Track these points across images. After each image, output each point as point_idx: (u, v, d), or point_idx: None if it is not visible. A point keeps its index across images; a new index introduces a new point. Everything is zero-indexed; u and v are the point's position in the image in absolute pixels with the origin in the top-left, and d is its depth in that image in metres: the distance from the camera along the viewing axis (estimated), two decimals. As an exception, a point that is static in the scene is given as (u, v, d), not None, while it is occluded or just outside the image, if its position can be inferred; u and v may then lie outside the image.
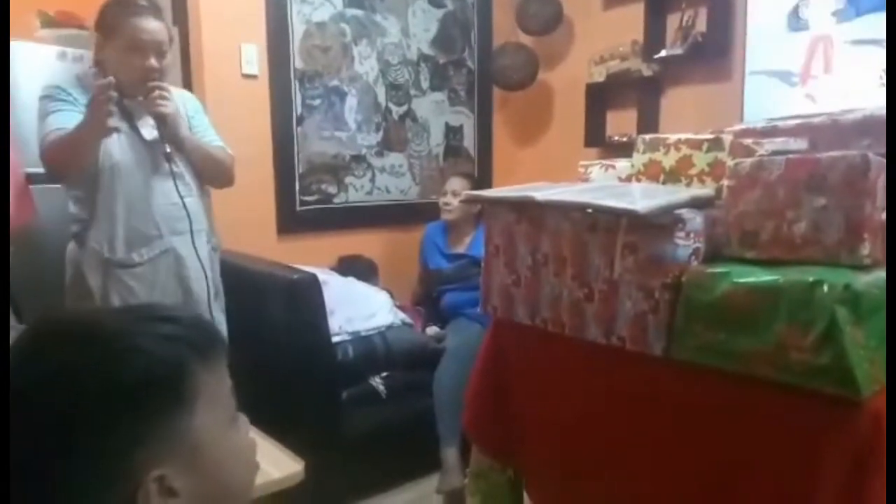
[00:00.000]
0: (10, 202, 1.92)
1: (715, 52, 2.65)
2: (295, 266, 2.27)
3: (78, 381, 0.52)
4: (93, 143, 1.66)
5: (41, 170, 2.31)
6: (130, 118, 1.77)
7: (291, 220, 2.83)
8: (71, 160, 1.69)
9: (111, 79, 1.57)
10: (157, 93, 1.70)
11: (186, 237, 1.82)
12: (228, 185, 1.99)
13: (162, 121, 1.73)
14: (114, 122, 1.63)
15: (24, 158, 2.13)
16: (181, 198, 1.80)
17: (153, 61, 1.70)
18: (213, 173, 1.91)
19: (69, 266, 1.82)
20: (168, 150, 1.75)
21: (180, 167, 1.82)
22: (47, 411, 0.51)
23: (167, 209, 1.79)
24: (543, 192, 1.28)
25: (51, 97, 1.73)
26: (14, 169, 2.01)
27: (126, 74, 1.69)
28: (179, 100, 1.85)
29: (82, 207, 1.76)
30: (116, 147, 1.73)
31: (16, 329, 0.72)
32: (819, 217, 1.04)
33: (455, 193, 2.80)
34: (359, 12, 2.91)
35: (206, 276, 1.87)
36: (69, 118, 1.66)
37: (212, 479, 0.59)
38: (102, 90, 1.55)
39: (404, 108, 3.13)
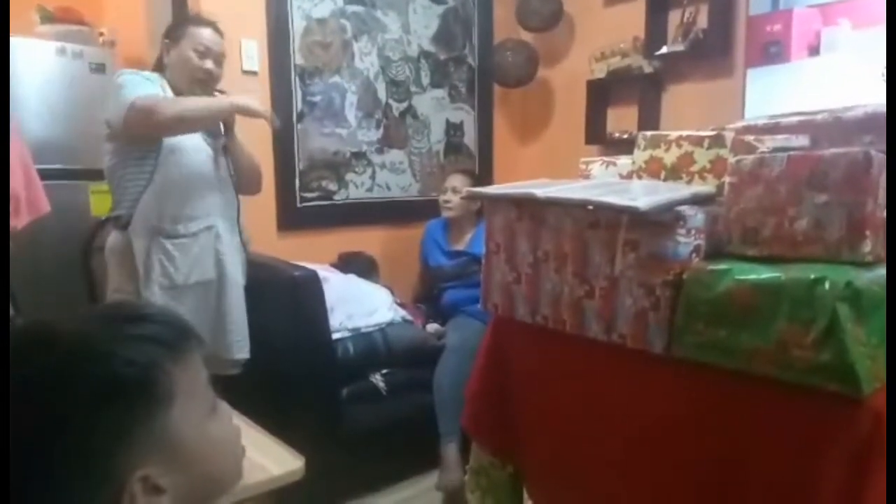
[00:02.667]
0: (24, 195, 1.93)
1: (716, 49, 2.65)
2: (295, 263, 2.27)
3: (49, 389, 0.52)
4: (221, 119, 1.91)
5: (46, 166, 2.31)
6: None
7: (292, 217, 2.82)
8: (190, 124, 1.83)
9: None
10: (221, 95, 1.94)
11: (229, 223, 1.97)
12: (256, 193, 2.15)
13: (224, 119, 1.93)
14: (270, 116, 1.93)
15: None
16: (232, 187, 1.98)
17: (210, 65, 1.90)
18: (252, 179, 2.10)
19: (114, 251, 1.89)
20: (226, 142, 1.95)
21: (227, 161, 1.98)
22: (23, 421, 0.51)
23: (216, 196, 1.93)
24: (544, 188, 1.28)
25: (130, 73, 1.85)
26: (25, 163, 2.01)
27: (188, 73, 1.89)
28: None
29: (134, 190, 1.83)
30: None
31: (15, 322, 0.72)
32: (821, 214, 1.04)
33: (455, 191, 2.80)
34: (359, 8, 2.90)
35: (242, 262, 2.02)
36: (155, 90, 1.82)
37: (198, 473, 0.59)
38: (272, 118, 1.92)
39: (405, 104, 3.13)
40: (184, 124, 1.81)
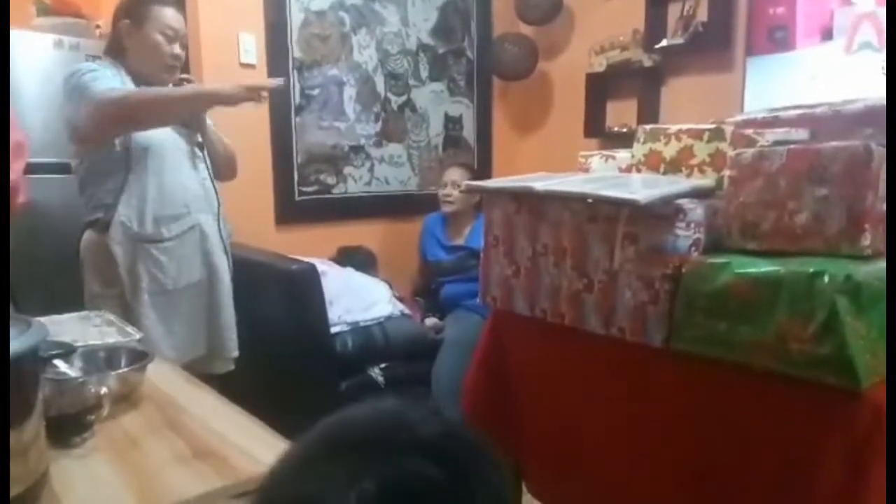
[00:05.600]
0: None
1: (716, 42, 2.64)
2: (293, 257, 2.27)
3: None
4: (198, 111, 1.80)
5: (43, 159, 2.29)
6: None
7: (290, 211, 2.82)
8: (164, 117, 1.74)
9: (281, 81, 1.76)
10: (191, 83, 1.84)
11: (211, 216, 1.88)
12: (232, 179, 2.07)
13: None
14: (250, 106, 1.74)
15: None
16: (210, 179, 1.89)
17: (178, 49, 1.79)
18: (227, 165, 2.00)
19: (88, 253, 1.81)
20: (201, 136, 1.86)
21: (203, 153, 1.90)
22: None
23: (195, 188, 1.84)
24: (543, 182, 1.28)
25: (88, 68, 1.73)
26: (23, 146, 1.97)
27: (153, 60, 1.77)
28: None
29: (108, 191, 1.76)
30: None
31: (12, 317, 0.71)
32: (820, 207, 1.04)
33: (455, 184, 2.79)
34: (358, 1, 2.89)
35: (228, 256, 1.93)
36: (117, 82, 1.71)
37: None
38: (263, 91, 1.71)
39: (403, 97, 3.12)
40: (158, 117, 1.71)
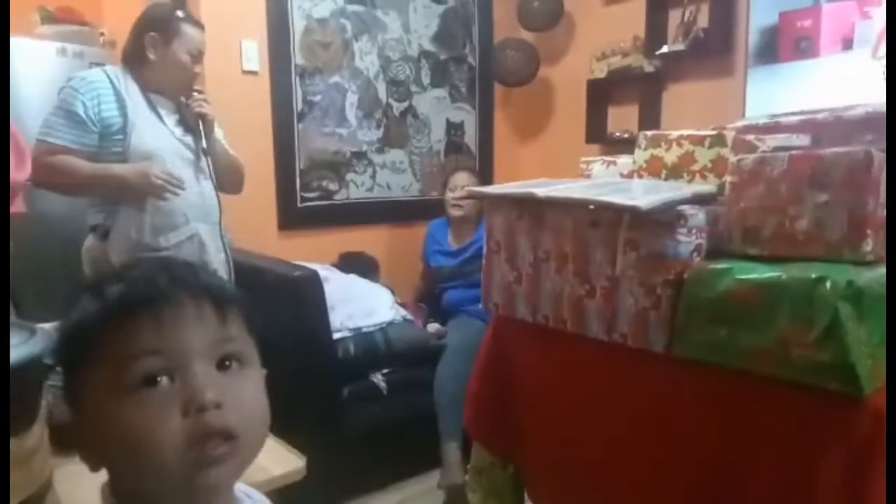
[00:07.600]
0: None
1: (717, 48, 2.64)
2: (296, 263, 2.27)
3: None
4: (112, 193, 1.78)
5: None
6: (156, 111, 1.84)
7: (292, 217, 2.82)
8: (81, 188, 1.80)
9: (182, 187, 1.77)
10: (201, 96, 1.88)
11: (210, 226, 1.91)
12: (238, 193, 2.10)
13: (203, 120, 1.87)
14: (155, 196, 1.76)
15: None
16: (212, 188, 1.92)
17: (198, 69, 1.89)
18: (232, 178, 2.03)
19: (89, 258, 1.83)
20: (205, 146, 1.88)
21: (206, 161, 1.92)
22: None
23: (196, 198, 1.86)
24: (545, 188, 1.28)
25: (73, 87, 1.74)
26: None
27: (177, 78, 1.85)
28: None
29: (109, 197, 1.79)
30: (150, 136, 1.79)
31: (16, 325, 0.72)
32: (822, 213, 1.04)
33: (465, 189, 2.79)
34: (359, 8, 2.90)
35: (229, 264, 1.96)
36: (79, 133, 1.73)
37: None
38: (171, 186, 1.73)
39: (405, 104, 3.12)
40: (64, 191, 1.81)
